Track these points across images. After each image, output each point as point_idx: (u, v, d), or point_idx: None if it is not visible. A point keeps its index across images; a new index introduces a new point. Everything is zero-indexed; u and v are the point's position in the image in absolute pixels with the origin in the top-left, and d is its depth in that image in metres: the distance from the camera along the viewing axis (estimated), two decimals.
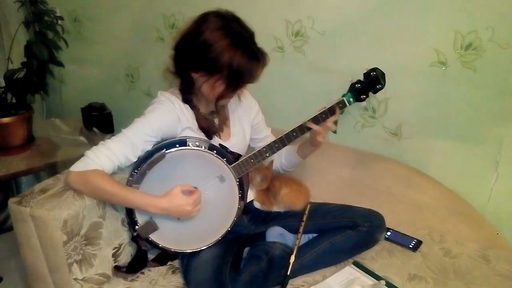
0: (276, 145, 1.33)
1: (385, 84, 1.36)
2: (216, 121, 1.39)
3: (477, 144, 1.49)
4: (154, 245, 1.29)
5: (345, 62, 1.49)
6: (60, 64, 1.85)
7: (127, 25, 2.10)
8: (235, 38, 1.16)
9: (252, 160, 1.31)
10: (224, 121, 1.41)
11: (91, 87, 2.33)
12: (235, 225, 1.34)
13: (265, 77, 1.79)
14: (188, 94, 1.31)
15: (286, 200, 1.47)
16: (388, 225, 1.52)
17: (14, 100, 1.82)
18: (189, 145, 1.25)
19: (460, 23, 1.38)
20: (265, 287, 1.22)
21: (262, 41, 1.76)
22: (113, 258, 1.30)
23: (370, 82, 1.37)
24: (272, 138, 1.53)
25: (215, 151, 1.27)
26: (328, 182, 1.70)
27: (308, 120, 1.33)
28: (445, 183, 1.56)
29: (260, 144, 1.53)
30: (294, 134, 1.33)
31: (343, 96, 1.36)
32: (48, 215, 1.12)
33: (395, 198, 1.59)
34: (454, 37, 1.40)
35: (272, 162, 1.53)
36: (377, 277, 1.27)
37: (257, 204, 1.50)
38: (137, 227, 1.26)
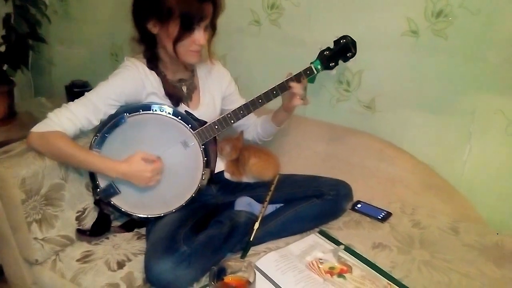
0: (241, 112, 1.32)
1: (356, 52, 1.34)
2: (184, 89, 1.38)
3: (450, 116, 1.46)
4: (116, 209, 1.30)
5: (319, 34, 1.48)
6: (42, 40, 1.87)
7: (111, 2, 2.12)
8: None
9: (216, 127, 1.30)
10: (193, 89, 1.41)
11: (78, 67, 2.35)
12: (202, 193, 1.33)
13: (242, 51, 1.82)
14: (153, 59, 1.31)
15: (254, 170, 1.46)
16: (360, 199, 1.51)
17: None
18: (152, 110, 1.26)
19: None
20: (223, 251, 1.21)
21: (239, 15, 1.79)
22: (77, 222, 1.31)
23: (340, 50, 1.35)
24: (253, 117, 1.54)
25: (179, 117, 1.27)
26: (303, 157, 1.69)
27: (274, 87, 1.32)
28: (419, 156, 1.54)
29: (240, 123, 1.52)
30: (260, 101, 1.32)
31: (311, 63, 1.35)
32: (6, 173, 1.14)
33: (369, 171, 1.57)
34: (425, 4, 1.38)
35: (242, 132, 1.53)
36: (338, 243, 1.26)
37: (227, 175, 1.50)
38: (98, 190, 1.27)
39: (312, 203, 1.35)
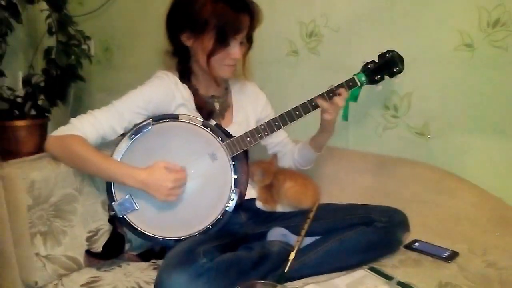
0: (276, 123, 1.19)
1: (403, 67, 1.24)
2: (217, 105, 1.29)
3: None
4: (131, 227, 1.13)
5: (361, 57, 1.38)
6: (81, 79, 1.89)
7: (151, 50, 2.16)
8: None
9: (248, 138, 1.17)
10: (226, 107, 1.31)
11: None
12: (229, 221, 1.16)
13: (279, 83, 1.74)
14: (186, 72, 1.25)
15: (290, 195, 1.28)
16: (417, 238, 1.27)
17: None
18: (179, 119, 1.16)
19: None
20: (250, 277, 0.99)
21: (275, 45, 1.74)
22: (87, 243, 1.15)
23: (386, 64, 1.25)
24: (290, 144, 1.41)
25: (209, 128, 1.16)
26: (347, 193, 1.49)
27: (313, 98, 1.20)
28: (485, 186, 1.31)
29: (276, 149, 1.41)
30: (297, 112, 1.19)
31: (354, 75, 1.24)
32: (15, 173, 1.04)
33: (426, 207, 1.34)
34: (478, 14, 1.26)
35: (275, 155, 1.38)
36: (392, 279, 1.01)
37: (258, 204, 1.31)
38: (114, 203, 1.12)
39: (360, 232, 1.13)
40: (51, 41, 1.86)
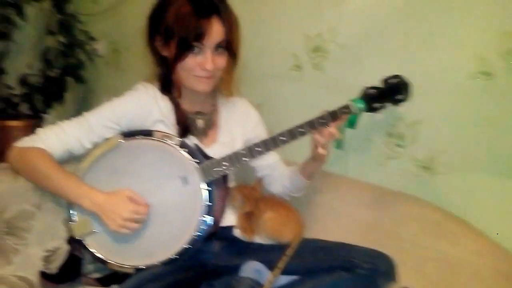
0: (258, 149, 1.07)
1: (407, 96, 1.12)
2: (201, 123, 1.18)
3: None
4: (88, 250, 1.04)
5: (369, 79, 1.24)
6: (81, 80, 1.84)
7: None
8: None
9: (225, 163, 1.06)
10: (211, 125, 1.21)
11: None
12: (200, 249, 1.06)
13: (280, 99, 1.62)
14: (166, 84, 1.15)
15: (269, 226, 1.16)
16: (409, 286, 1.11)
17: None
18: (153, 137, 1.06)
19: (507, 22, 1.10)
20: None
21: (277, 59, 1.62)
22: (44, 263, 1.07)
23: (389, 90, 1.13)
24: (281, 167, 1.29)
25: (185, 149, 1.06)
26: (339, 225, 1.35)
27: (302, 124, 1.08)
28: (492, 235, 1.14)
29: (265, 172, 1.29)
30: (282, 138, 1.08)
31: (351, 100, 1.11)
32: None
33: (423, 251, 1.19)
34: (499, 38, 1.10)
35: (260, 180, 1.27)
36: None
37: (237, 231, 1.20)
38: (71, 223, 1.04)
39: (337, 278, 1.01)
40: (54, 41, 1.82)
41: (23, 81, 1.69)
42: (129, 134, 1.07)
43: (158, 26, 1.06)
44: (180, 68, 1.06)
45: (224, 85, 1.17)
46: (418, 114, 1.27)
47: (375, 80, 1.16)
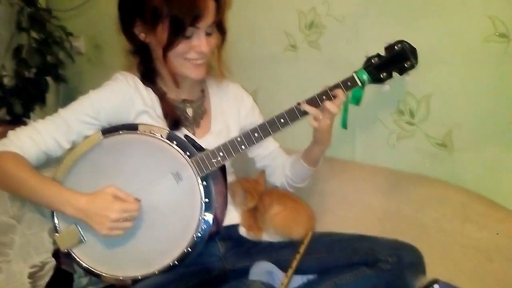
0: (256, 134, 0.97)
1: (417, 62, 1.01)
2: (190, 112, 1.07)
3: None
4: (77, 263, 0.93)
5: (369, 51, 1.14)
6: (62, 80, 1.71)
7: None
8: None
9: (221, 153, 0.95)
10: (202, 114, 1.10)
11: None
12: (204, 253, 0.96)
13: (276, 83, 1.51)
14: (149, 74, 1.04)
15: (277, 223, 1.05)
16: (437, 277, 1.01)
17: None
18: (138, 131, 0.95)
19: None
20: None
21: (271, 40, 1.51)
22: (30, 281, 0.96)
23: (394, 57, 1.03)
24: (282, 157, 1.19)
25: (174, 142, 0.94)
26: (353, 214, 1.25)
27: (302, 102, 0.97)
28: None
29: (264, 163, 1.19)
30: (282, 120, 0.97)
31: (354, 72, 1.00)
32: None
33: (448, 237, 1.09)
34: None
35: (263, 172, 1.16)
36: None
37: (242, 230, 1.10)
38: (56, 234, 0.92)
39: (360, 275, 0.91)
40: (27, 38, 1.68)
41: None
42: (111, 130, 0.96)
43: (140, 9, 0.94)
44: (171, 54, 0.94)
45: (217, 67, 1.06)
46: (428, 87, 1.17)
47: (375, 51, 1.05)
